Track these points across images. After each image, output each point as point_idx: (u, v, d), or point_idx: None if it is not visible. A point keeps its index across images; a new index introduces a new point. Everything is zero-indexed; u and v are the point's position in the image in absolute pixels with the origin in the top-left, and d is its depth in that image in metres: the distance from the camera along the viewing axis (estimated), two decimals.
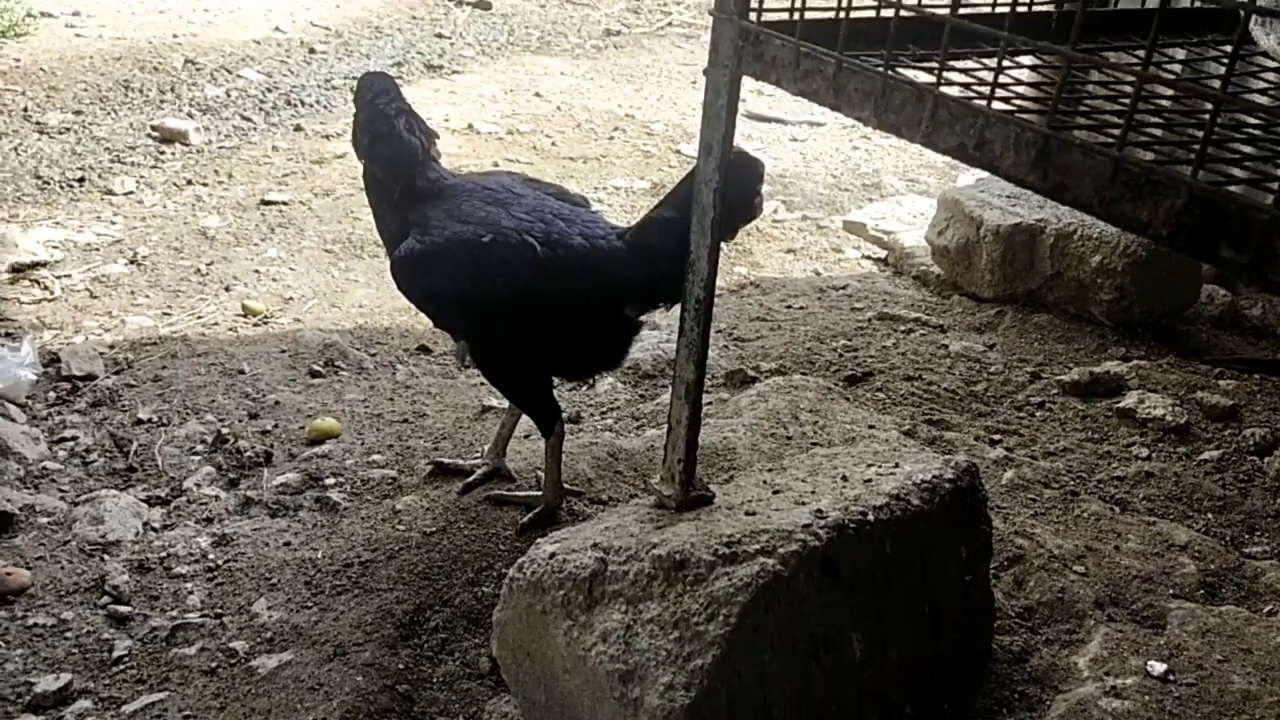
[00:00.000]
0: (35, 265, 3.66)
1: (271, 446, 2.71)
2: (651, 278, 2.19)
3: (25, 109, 5.38)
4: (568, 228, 2.24)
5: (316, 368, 3.09)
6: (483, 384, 3.17)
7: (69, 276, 3.67)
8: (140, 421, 2.74)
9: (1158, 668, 1.97)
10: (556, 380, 2.42)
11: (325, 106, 6.03)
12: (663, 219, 2.21)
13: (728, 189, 1.90)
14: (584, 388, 3.10)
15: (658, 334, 3.49)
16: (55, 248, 3.87)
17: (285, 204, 4.49)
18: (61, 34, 6.84)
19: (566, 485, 2.47)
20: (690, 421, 1.76)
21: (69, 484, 2.49)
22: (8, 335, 3.15)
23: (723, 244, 2.21)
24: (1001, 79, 1.32)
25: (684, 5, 8.51)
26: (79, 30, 6.92)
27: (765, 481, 1.97)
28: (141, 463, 2.57)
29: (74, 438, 2.66)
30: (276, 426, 2.80)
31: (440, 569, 2.26)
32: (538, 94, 6.15)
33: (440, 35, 7.34)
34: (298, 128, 5.59)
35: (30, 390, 2.83)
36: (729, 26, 1.55)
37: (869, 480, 1.93)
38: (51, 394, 2.87)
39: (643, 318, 2.34)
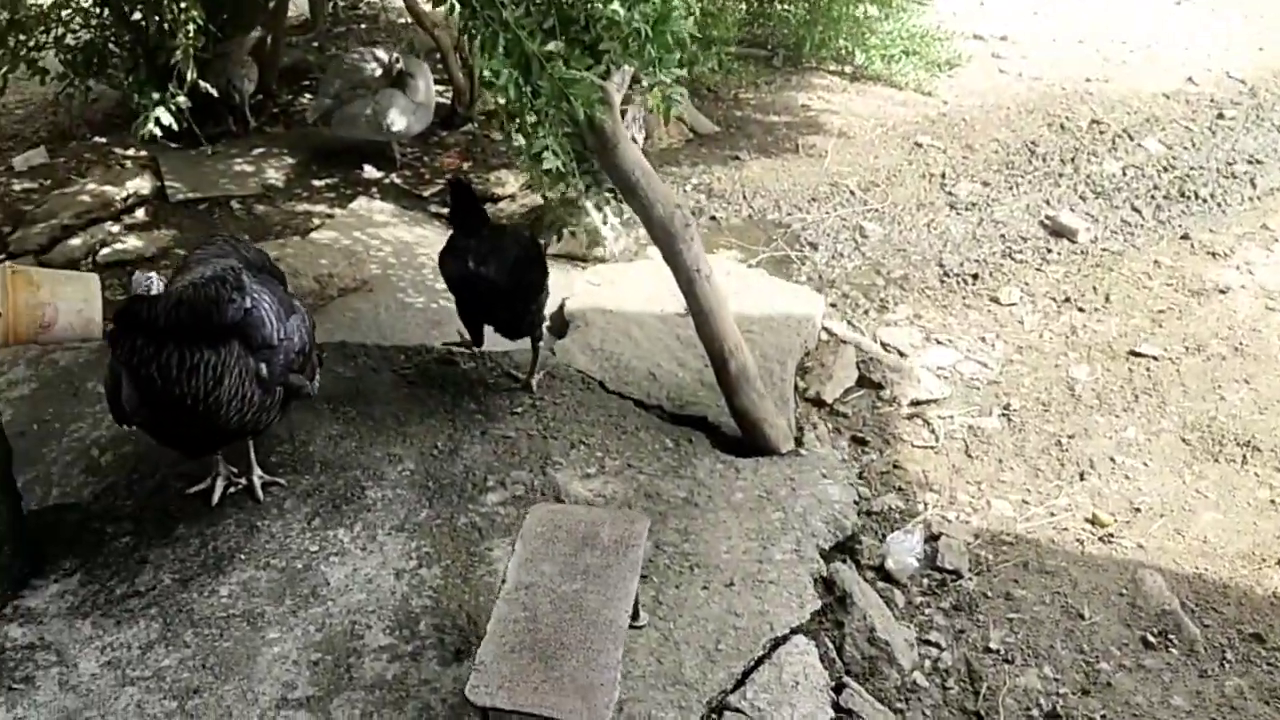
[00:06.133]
0: (929, 402, 4.32)
1: None
2: None
3: (943, 174, 6.05)
4: None
5: (1151, 636, 3.32)
6: None
7: (951, 420, 4.26)
8: (990, 650, 3.25)
9: None
10: None
11: (1219, 204, 5.90)
12: None
13: None
14: None
15: None
16: (945, 378, 4.49)
17: (1154, 360, 4.61)
18: (987, 67, 7.41)
19: None
20: None
21: (927, 713, 3.09)
22: (903, 519, 3.83)
23: None
24: None
25: None
26: (1002, 64, 7.44)
27: None
28: (988, 710, 3.08)
29: (937, 647, 3.25)
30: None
31: None
32: None
33: None
34: (1184, 236, 5.58)
35: (910, 573, 3.49)
36: None
37: None
38: (924, 580, 3.50)
39: None
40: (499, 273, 3.69)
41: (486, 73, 3.38)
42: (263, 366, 3.10)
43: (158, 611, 3.07)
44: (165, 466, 3.58)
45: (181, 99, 4.82)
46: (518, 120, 3.64)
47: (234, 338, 3.04)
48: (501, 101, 3.63)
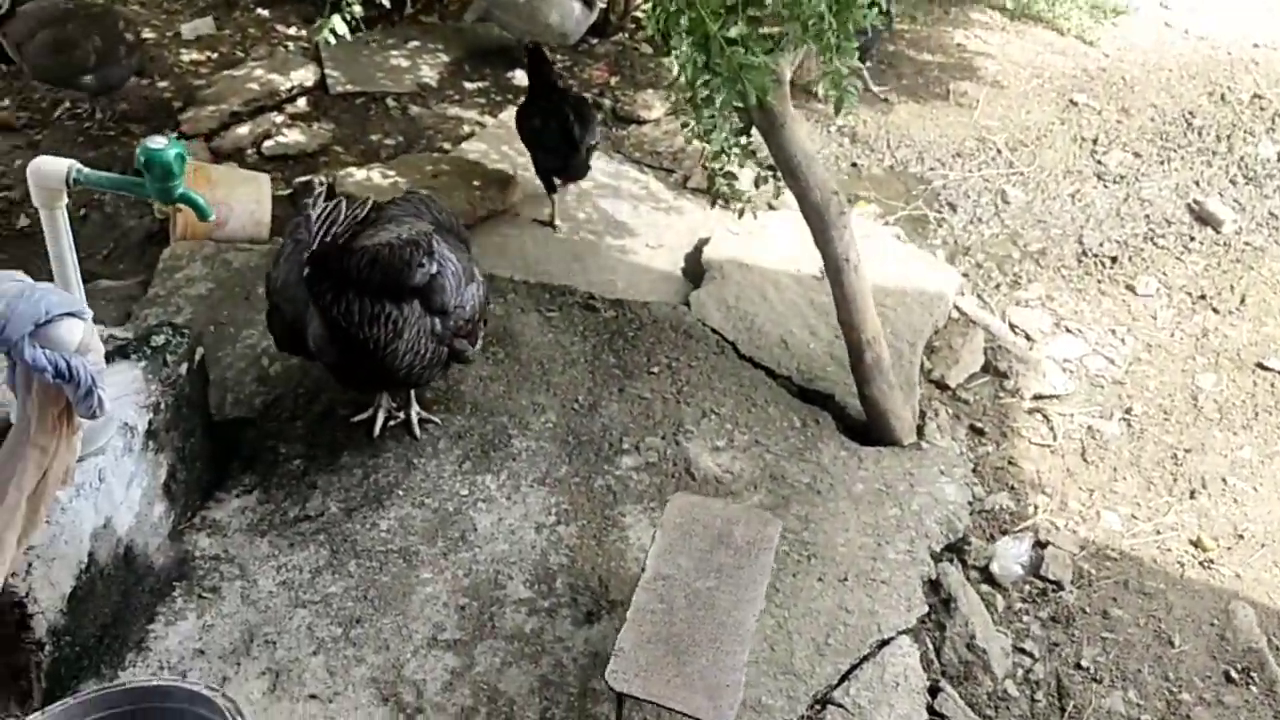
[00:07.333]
0: (1052, 397, 4.42)
1: None
2: None
3: (1095, 140, 5.94)
4: None
5: (1234, 671, 3.48)
6: None
7: (1071, 418, 4.36)
8: (1080, 667, 3.45)
9: None
10: None
11: None
12: None
13: None
14: None
15: None
16: (1070, 371, 4.56)
17: (1279, 375, 4.63)
18: (1153, 18, 7.14)
19: None
20: None
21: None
22: (1013, 521, 3.98)
23: None
24: None
25: None
26: (1169, 16, 7.15)
27: None
28: None
29: (1031, 657, 3.46)
30: None
31: None
32: None
33: None
34: None
35: (1014, 579, 3.68)
36: None
37: None
38: (1026, 588, 3.69)
39: None
40: (561, 132, 4.61)
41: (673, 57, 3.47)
42: (436, 324, 3.34)
43: (325, 538, 3.41)
44: (330, 389, 3.88)
45: (357, 8, 4.93)
46: (682, 76, 3.69)
47: (416, 297, 3.28)
48: (681, 80, 3.69)
